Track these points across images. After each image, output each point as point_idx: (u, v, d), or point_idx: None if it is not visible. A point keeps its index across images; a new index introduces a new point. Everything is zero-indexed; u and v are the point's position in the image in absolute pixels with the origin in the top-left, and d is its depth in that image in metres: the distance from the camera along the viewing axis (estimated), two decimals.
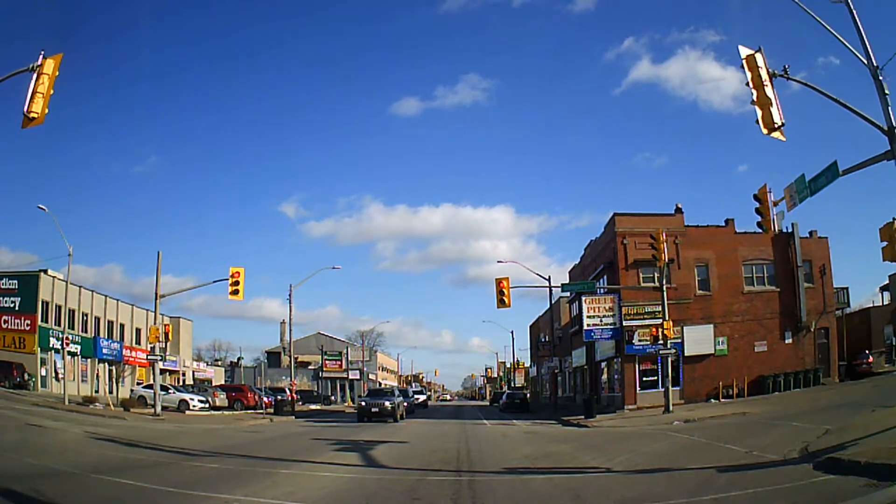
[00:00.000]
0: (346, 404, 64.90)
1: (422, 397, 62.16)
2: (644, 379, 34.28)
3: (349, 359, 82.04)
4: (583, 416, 29.23)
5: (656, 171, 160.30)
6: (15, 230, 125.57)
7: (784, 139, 12.81)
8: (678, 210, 36.33)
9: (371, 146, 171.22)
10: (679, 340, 32.17)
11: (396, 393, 36.37)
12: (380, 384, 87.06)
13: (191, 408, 36.10)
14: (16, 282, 43.13)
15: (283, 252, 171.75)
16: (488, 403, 78.54)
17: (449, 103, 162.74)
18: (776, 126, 12.74)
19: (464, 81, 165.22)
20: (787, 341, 34.62)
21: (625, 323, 34.19)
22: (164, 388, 36.05)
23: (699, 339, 33.96)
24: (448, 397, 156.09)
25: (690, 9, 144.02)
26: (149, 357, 35.20)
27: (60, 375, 39.15)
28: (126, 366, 51.72)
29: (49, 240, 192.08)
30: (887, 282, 44.00)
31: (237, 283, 29.36)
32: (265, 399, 43.94)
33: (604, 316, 34.69)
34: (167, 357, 44.15)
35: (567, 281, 42.50)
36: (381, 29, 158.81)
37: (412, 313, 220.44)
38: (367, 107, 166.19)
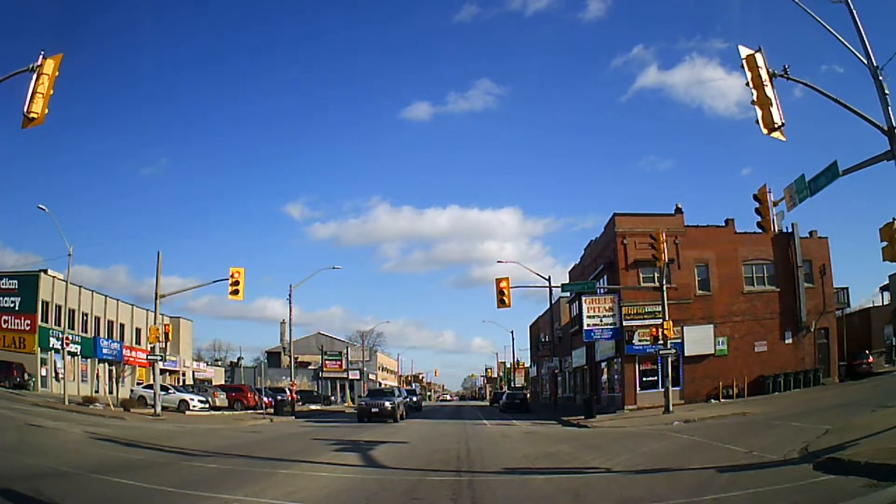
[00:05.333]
0: (346, 404, 64.90)
1: (415, 398, 52.65)
2: (644, 379, 34.27)
3: (349, 359, 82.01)
4: (583, 417, 29.23)
5: (662, 174, 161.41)
6: (20, 230, 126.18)
7: (784, 139, 12.81)
8: (678, 210, 36.32)
9: (380, 149, 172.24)
10: (679, 340, 32.15)
11: (396, 393, 36.36)
12: (380, 384, 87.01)
13: (191, 408, 36.08)
14: (16, 282, 43.13)
15: (288, 253, 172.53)
16: (488, 404, 78.56)
17: (460, 109, 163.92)
18: (776, 126, 12.74)
19: (476, 87, 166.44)
20: (787, 341, 34.60)
21: (625, 323, 34.18)
22: (164, 389, 36.03)
23: (699, 339, 33.95)
24: (448, 397, 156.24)
25: (697, 17, 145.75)
26: (149, 357, 35.19)
27: (60, 375, 39.14)
28: (126, 366, 51.69)
29: (54, 240, 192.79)
30: (887, 282, 44.01)
31: (237, 283, 29.36)
32: (265, 399, 43.91)
33: (604, 316, 34.68)
34: (167, 357, 44.17)
35: (567, 281, 42.49)
36: (393, 35, 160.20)
37: (415, 314, 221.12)
38: (377, 110, 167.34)
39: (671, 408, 27.60)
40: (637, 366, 34.29)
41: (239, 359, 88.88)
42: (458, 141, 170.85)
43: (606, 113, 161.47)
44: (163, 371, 41.26)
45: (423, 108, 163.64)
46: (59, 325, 41.07)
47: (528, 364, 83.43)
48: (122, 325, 53.91)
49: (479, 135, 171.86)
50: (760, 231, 16.37)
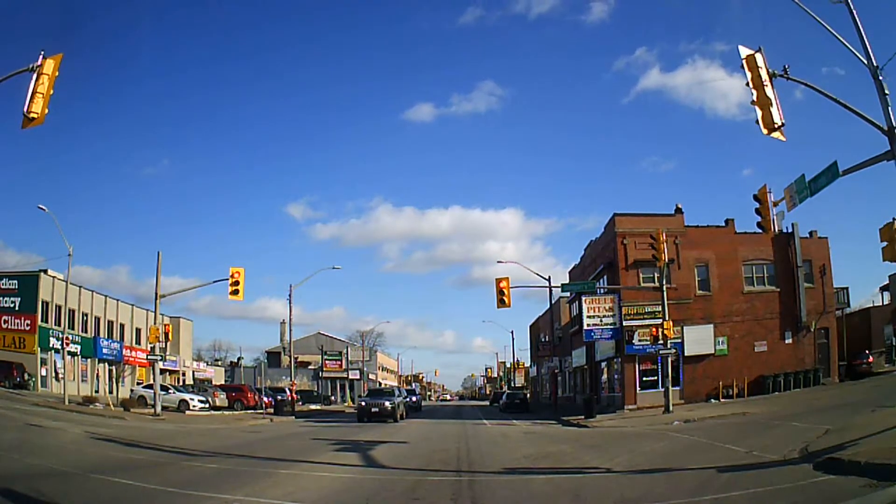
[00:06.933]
0: (346, 404, 64.89)
1: (415, 398, 51.09)
2: (644, 379, 34.26)
3: (349, 359, 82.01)
4: (583, 416, 29.23)
5: (663, 175, 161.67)
6: (21, 231, 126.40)
7: (784, 139, 12.82)
8: (678, 210, 36.32)
9: (383, 149, 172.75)
10: (679, 340, 32.14)
11: (396, 393, 36.35)
12: (380, 384, 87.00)
13: (191, 408, 36.09)
14: (16, 282, 43.13)
15: (289, 254, 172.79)
16: (488, 403, 78.52)
17: (463, 111, 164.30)
18: (776, 126, 12.74)
19: (479, 89, 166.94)
20: (787, 341, 34.60)
21: (625, 323, 34.17)
22: (164, 388, 36.03)
23: (699, 339, 33.94)
24: (448, 397, 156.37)
25: (699, 20, 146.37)
26: (149, 357, 35.20)
27: (60, 375, 39.15)
28: (126, 366, 51.73)
29: (55, 240, 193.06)
30: (887, 282, 43.89)
31: (237, 283, 29.39)
32: (265, 399, 43.93)
33: (604, 316, 34.66)
34: (167, 357, 44.18)
35: (568, 281, 42.48)
36: (397, 37, 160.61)
37: (416, 314, 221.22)
38: (380, 111, 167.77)
39: (671, 408, 27.60)
40: (637, 366, 34.28)
41: (239, 359, 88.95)
42: (460, 142, 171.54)
43: (609, 114, 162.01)
44: (163, 371, 41.26)
45: (426, 110, 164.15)
46: (59, 325, 41.08)
47: (528, 364, 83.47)
48: (122, 325, 53.91)
49: (482, 136, 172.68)
50: (760, 231, 16.37)
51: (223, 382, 62.28)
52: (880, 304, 45.87)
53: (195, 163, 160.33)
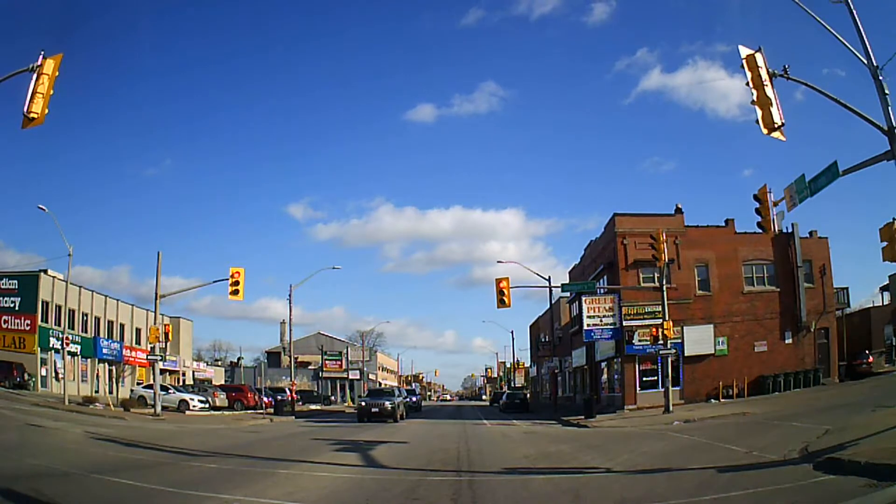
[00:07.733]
0: (346, 404, 64.90)
1: (415, 398, 52.36)
2: (644, 379, 34.26)
3: (349, 359, 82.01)
4: (583, 416, 29.24)
5: (664, 175, 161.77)
6: (23, 231, 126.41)
7: (784, 139, 12.82)
8: (678, 210, 36.31)
9: (385, 150, 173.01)
10: (679, 340, 32.14)
11: (396, 393, 36.33)
12: (380, 384, 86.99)
13: (191, 408, 36.08)
14: (16, 282, 43.12)
15: (290, 254, 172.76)
16: (488, 403, 78.52)
17: (464, 111, 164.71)
18: (776, 126, 12.74)
19: (480, 90, 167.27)
20: (787, 341, 34.60)
21: (625, 323, 34.16)
22: (164, 388, 36.04)
23: (699, 339, 33.94)
24: (448, 397, 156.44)
25: (700, 21, 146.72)
26: (149, 357, 35.20)
27: (60, 375, 39.14)
28: (126, 366, 51.72)
29: (56, 240, 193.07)
30: (887, 282, 43.96)
31: (237, 283, 29.39)
32: (265, 399, 43.92)
33: (604, 316, 34.65)
34: (167, 357, 44.13)
35: (568, 281, 42.48)
36: (399, 38, 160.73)
37: (416, 314, 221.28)
38: (382, 112, 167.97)
39: (671, 408, 27.61)
40: (637, 366, 34.28)
41: (239, 359, 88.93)
42: (461, 142, 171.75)
43: (609, 115, 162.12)
44: (163, 371, 41.26)
45: (427, 111, 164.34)
46: (59, 325, 41.08)
47: (528, 364, 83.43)
48: (122, 325, 53.91)
49: (483, 136, 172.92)
50: (760, 231, 16.37)
51: (223, 382, 62.26)
52: (880, 304, 45.87)
53: (196, 163, 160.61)
